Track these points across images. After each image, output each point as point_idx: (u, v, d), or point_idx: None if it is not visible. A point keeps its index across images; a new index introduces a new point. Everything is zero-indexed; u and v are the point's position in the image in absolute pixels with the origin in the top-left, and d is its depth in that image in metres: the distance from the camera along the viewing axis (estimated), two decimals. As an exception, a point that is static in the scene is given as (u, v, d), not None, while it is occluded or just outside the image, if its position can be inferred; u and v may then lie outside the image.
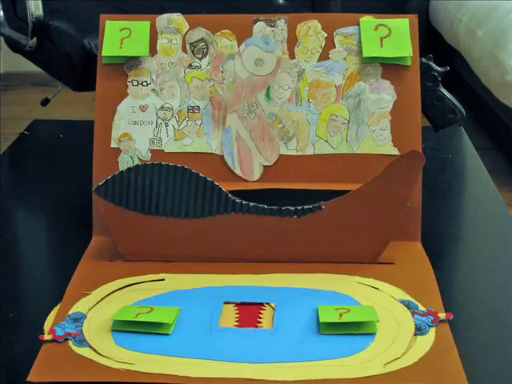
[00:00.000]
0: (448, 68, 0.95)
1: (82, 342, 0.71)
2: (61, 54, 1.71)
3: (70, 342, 0.71)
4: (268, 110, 0.90)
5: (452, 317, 0.73)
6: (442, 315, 0.74)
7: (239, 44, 0.90)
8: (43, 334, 0.72)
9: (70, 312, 0.75)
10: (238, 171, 0.89)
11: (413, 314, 0.74)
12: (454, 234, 0.94)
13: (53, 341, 0.71)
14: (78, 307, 0.76)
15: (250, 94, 0.90)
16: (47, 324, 0.74)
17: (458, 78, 2.65)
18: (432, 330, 0.72)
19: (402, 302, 0.76)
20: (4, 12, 1.83)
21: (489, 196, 1.03)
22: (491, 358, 0.71)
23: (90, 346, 0.71)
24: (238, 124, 0.89)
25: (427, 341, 0.71)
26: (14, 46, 1.82)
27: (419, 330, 0.72)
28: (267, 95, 0.90)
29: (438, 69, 0.94)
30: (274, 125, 0.89)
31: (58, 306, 0.77)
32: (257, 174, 0.89)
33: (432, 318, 0.73)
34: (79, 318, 0.75)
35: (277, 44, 0.90)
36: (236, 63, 0.90)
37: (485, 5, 2.41)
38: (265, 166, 0.89)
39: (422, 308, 0.75)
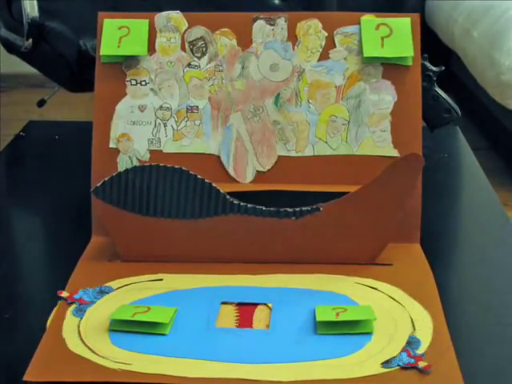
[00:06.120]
0: (443, 68, 0.95)
1: (80, 311, 0.74)
2: (56, 54, 1.71)
3: (69, 310, 0.75)
4: (273, 117, 0.89)
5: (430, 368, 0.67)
6: (423, 364, 0.67)
7: (238, 42, 0.89)
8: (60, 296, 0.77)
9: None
10: (231, 170, 0.89)
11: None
12: (450, 233, 0.94)
13: (65, 299, 0.76)
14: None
15: (259, 96, 0.89)
16: (49, 323, 0.74)
17: (453, 78, 2.66)
18: (429, 330, 0.72)
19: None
20: (-1, 13, 1.83)
21: (485, 196, 1.03)
22: (488, 358, 0.71)
23: (86, 345, 0.71)
24: (241, 124, 0.89)
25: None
26: (10, 47, 1.82)
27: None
28: (275, 102, 0.89)
29: (434, 68, 0.94)
30: (275, 128, 0.89)
31: (58, 304, 0.77)
32: (249, 177, 0.88)
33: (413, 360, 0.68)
34: (106, 292, 0.77)
35: (295, 53, 0.89)
36: (251, 63, 0.89)
37: (480, 5, 2.42)
38: (258, 171, 0.89)
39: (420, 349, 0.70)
